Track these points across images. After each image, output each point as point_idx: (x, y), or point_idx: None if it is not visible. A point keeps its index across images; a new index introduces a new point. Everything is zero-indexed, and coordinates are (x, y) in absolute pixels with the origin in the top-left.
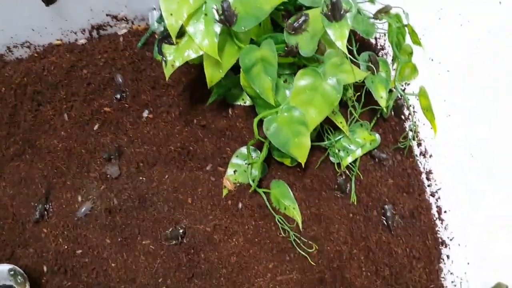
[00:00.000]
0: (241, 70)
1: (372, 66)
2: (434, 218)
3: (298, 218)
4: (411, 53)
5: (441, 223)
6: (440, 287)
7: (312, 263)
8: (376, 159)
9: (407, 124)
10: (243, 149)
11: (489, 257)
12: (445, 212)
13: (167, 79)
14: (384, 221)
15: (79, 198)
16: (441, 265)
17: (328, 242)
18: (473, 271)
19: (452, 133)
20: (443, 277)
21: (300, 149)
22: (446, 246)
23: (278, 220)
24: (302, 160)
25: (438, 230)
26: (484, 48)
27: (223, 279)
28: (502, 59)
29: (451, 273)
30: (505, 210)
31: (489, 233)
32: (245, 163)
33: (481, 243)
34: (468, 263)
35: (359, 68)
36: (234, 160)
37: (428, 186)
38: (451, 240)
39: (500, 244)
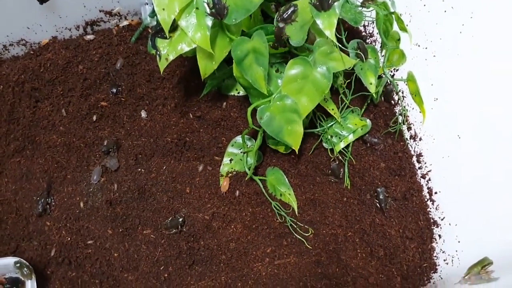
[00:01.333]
0: (233, 61)
1: (361, 53)
2: (426, 199)
3: (294, 204)
4: (398, 40)
5: (432, 204)
6: (433, 265)
7: (309, 246)
8: (368, 144)
9: (397, 109)
10: (238, 138)
11: (478, 235)
12: (435, 193)
13: (161, 72)
14: (377, 204)
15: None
16: (434, 244)
17: (324, 226)
18: (464, 249)
19: (440, 116)
20: (435, 256)
21: (293, 136)
22: (437, 226)
23: (274, 206)
24: (296, 147)
25: (429, 211)
26: (468, 32)
27: (223, 265)
28: (485, 43)
29: (443, 252)
30: (492, 189)
31: (479, 213)
32: (241, 152)
33: (471, 221)
34: (459, 242)
35: (348, 55)
36: (230, 149)
37: (419, 168)
38: (442, 220)
39: (488, 221)
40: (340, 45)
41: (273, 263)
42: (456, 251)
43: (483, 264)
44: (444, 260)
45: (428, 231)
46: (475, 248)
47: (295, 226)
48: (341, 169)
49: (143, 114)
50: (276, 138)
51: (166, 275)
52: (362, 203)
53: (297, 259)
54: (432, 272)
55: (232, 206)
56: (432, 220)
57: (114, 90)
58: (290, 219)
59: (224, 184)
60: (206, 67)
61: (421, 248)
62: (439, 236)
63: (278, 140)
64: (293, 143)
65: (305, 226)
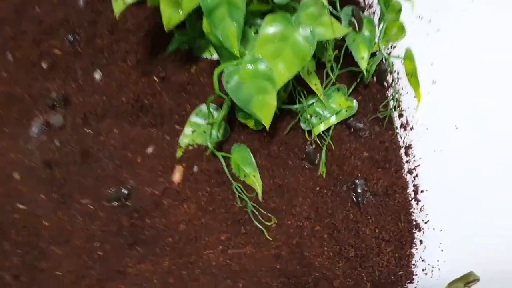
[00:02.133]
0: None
1: (355, 22)
2: (410, 198)
3: (258, 188)
4: (399, 11)
5: (417, 204)
6: (409, 274)
7: (269, 237)
8: (352, 129)
9: (389, 93)
10: (204, 107)
11: (464, 245)
12: (422, 191)
13: (116, 15)
14: (353, 198)
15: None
16: (413, 250)
17: (289, 216)
18: (447, 259)
19: (437, 103)
20: (414, 264)
21: (265, 109)
22: (420, 230)
23: (235, 188)
24: (267, 122)
25: (412, 212)
26: (479, 3)
27: (169, 248)
28: (498, 16)
29: (422, 260)
30: (487, 195)
31: (467, 219)
32: (206, 123)
33: (458, 229)
34: (442, 250)
35: (340, 23)
36: (194, 118)
37: (406, 162)
38: (425, 223)
39: (478, 231)
40: (331, 9)
41: (226, 252)
42: (438, 261)
43: (467, 281)
44: (423, 270)
45: (409, 235)
46: (460, 260)
47: (257, 213)
48: (318, 155)
49: (100, 68)
50: (244, 109)
51: (101, 253)
52: (337, 195)
53: (254, 251)
54: (407, 282)
55: (188, 183)
56: (414, 223)
57: (71, 38)
58: (251, 205)
59: (176, 174)
60: (170, 17)
61: (398, 253)
62: (420, 241)
63: (249, 113)
64: (263, 118)
65: (268, 215)
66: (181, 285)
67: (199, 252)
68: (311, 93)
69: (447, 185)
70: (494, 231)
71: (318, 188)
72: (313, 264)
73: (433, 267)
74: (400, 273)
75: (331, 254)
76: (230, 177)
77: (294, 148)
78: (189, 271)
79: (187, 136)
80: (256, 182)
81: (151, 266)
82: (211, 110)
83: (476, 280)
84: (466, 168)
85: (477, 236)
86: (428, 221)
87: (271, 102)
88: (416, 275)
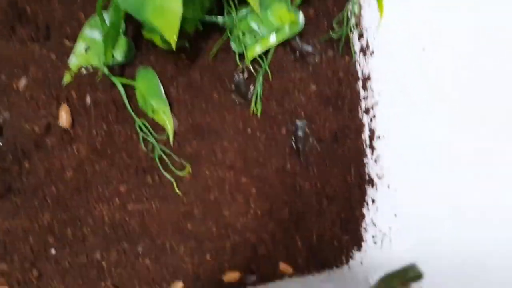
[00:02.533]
0: None
1: None
2: (364, 145)
3: (169, 127)
4: None
5: (372, 154)
6: (358, 240)
7: (178, 192)
8: (297, 53)
9: (349, 6)
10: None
11: (421, 215)
12: (378, 138)
13: None
14: (293, 144)
15: None
16: (364, 210)
17: (209, 165)
18: (400, 228)
19: (407, 19)
20: (364, 228)
21: (165, 17)
22: (373, 186)
23: (139, 126)
24: (170, 35)
25: (366, 163)
26: None
27: (50, 200)
28: None
29: (374, 224)
30: (454, 147)
31: (427, 180)
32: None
33: (418, 189)
34: (395, 215)
35: None
36: (87, 31)
37: (364, 98)
38: (380, 178)
39: (442, 195)
40: None
41: (125, 208)
42: (390, 228)
43: (406, 277)
44: (373, 237)
45: (359, 192)
46: (415, 229)
47: (167, 160)
48: (251, 86)
49: None
50: (137, 17)
51: None
52: (272, 140)
53: (161, 207)
54: (355, 248)
55: (78, 117)
56: (367, 177)
57: None
58: (160, 149)
59: (63, 106)
60: None
61: (344, 214)
62: (373, 201)
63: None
64: (165, 30)
65: (182, 162)
66: (63, 246)
67: (90, 206)
68: (243, 3)
69: (411, 129)
70: (454, 201)
71: (249, 130)
72: (233, 225)
73: (384, 235)
74: (346, 238)
75: (258, 213)
76: (132, 113)
77: (222, 76)
78: (75, 229)
79: (79, 56)
80: (167, 120)
81: (26, 221)
82: (103, 17)
83: (418, 277)
84: (437, 108)
85: (436, 203)
86: (383, 176)
87: (174, 8)
88: (365, 241)
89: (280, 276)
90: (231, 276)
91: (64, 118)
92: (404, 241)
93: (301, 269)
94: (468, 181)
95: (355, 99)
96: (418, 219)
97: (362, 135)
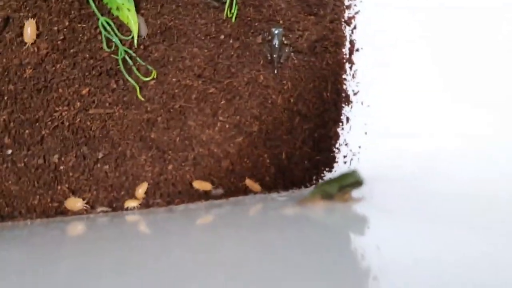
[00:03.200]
0: None
1: None
2: (344, 59)
3: (134, 27)
4: None
5: (350, 68)
6: (330, 160)
7: (141, 98)
8: None
9: None
10: None
11: (390, 132)
12: (357, 50)
13: None
14: (268, 54)
15: None
16: (339, 130)
17: (176, 71)
18: (369, 147)
19: None
20: (337, 148)
21: None
22: (348, 104)
23: (101, 24)
24: None
25: (345, 79)
26: None
27: (8, 99)
28: None
29: (346, 144)
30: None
31: (399, 95)
32: None
33: (386, 106)
34: (366, 133)
35: None
36: None
37: (347, 8)
38: (355, 94)
39: (407, 120)
40: None
41: (87, 112)
42: (360, 147)
43: (345, 183)
44: (344, 157)
45: (335, 110)
46: (380, 150)
47: (131, 64)
48: None
49: None
50: None
51: None
52: (246, 48)
53: (124, 113)
54: (326, 169)
55: (40, 12)
56: (344, 94)
57: None
58: (124, 50)
59: (29, 31)
60: None
61: (318, 133)
62: (347, 119)
63: None
64: None
65: (147, 67)
66: (19, 147)
67: (49, 108)
68: None
69: (389, 44)
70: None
71: (222, 37)
72: (198, 137)
73: (353, 156)
74: (318, 158)
75: (226, 126)
76: (96, 9)
77: None
78: (33, 130)
79: None
80: (131, 19)
81: None
82: None
83: (357, 183)
84: (419, 25)
85: (404, 125)
86: (358, 92)
87: None
88: (337, 162)
89: (245, 192)
90: (202, 185)
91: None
92: (372, 160)
93: (268, 187)
94: (439, 102)
95: (339, 8)
96: (388, 137)
97: (342, 48)
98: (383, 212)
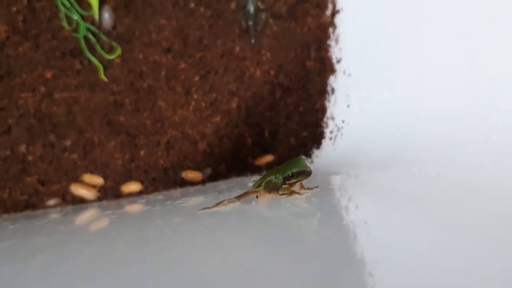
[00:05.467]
0: None
1: None
2: (327, 22)
3: (94, 1)
4: None
5: (333, 32)
6: (318, 136)
7: (104, 78)
8: None
9: None
10: None
11: (370, 102)
12: (337, 12)
13: None
14: (243, 22)
15: None
16: (326, 103)
17: (143, 47)
18: (351, 121)
19: None
20: (324, 123)
21: None
22: (333, 73)
23: (60, 1)
24: None
25: (329, 45)
26: None
27: None
28: None
29: (332, 119)
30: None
31: (381, 64)
32: None
33: (367, 75)
34: (348, 106)
35: None
36: None
37: None
38: (338, 62)
39: (389, 92)
40: None
41: (52, 96)
42: (343, 121)
43: (292, 172)
44: (331, 133)
45: (319, 80)
46: (363, 122)
47: (94, 41)
48: None
49: None
50: None
51: None
52: (219, 17)
53: (89, 95)
54: (314, 146)
55: None
56: (328, 61)
57: None
58: (87, 28)
59: None
60: None
61: (303, 107)
62: (332, 91)
63: None
64: None
65: (112, 43)
66: None
67: (14, 95)
68: None
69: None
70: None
71: (192, 5)
72: (170, 118)
73: (338, 130)
74: (304, 134)
75: (201, 105)
76: None
77: None
78: None
79: None
80: None
81: None
82: None
83: (305, 173)
84: None
85: (385, 95)
86: (341, 59)
87: None
88: (325, 138)
89: (226, 175)
90: (193, 175)
91: None
92: (353, 136)
93: (251, 169)
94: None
95: None
96: (369, 109)
97: (325, 10)
98: (369, 191)
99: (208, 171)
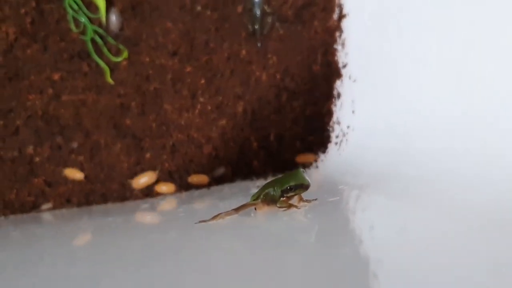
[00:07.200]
0: None
1: None
2: (334, 26)
3: (101, 4)
4: None
5: (340, 36)
6: (325, 140)
7: (111, 81)
8: None
9: None
10: None
11: (375, 109)
12: (344, 16)
13: None
14: (249, 25)
15: None
16: (333, 107)
17: (149, 50)
18: (356, 127)
19: None
20: (330, 127)
21: None
22: (339, 78)
23: (68, 4)
24: None
25: (336, 49)
26: None
27: None
28: None
29: (338, 123)
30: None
31: (387, 71)
32: None
33: (373, 82)
34: (353, 112)
35: None
36: None
37: None
38: (344, 67)
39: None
40: None
41: (59, 98)
42: (348, 127)
43: (289, 185)
44: (336, 138)
45: (326, 84)
46: (366, 128)
47: (101, 43)
48: None
49: None
50: None
51: None
52: (225, 21)
53: (96, 98)
54: (320, 150)
55: None
56: (334, 66)
57: None
58: (94, 30)
59: None
60: None
61: (310, 111)
62: (338, 95)
63: None
64: None
65: (118, 46)
66: None
67: (21, 97)
68: None
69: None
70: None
71: (199, 8)
72: (176, 122)
73: (344, 135)
74: (311, 138)
75: (208, 108)
76: None
77: None
78: (7, 121)
79: None
80: None
81: None
82: None
83: (302, 187)
84: None
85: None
86: (346, 64)
87: None
88: (331, 142)
89: (232, 179)
90: (199, 178)
91: None
92: (358, 143)
93: (256, 173)
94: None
95: None
96: (374, 116)
97: (332, 14)
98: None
99: (215, 173)
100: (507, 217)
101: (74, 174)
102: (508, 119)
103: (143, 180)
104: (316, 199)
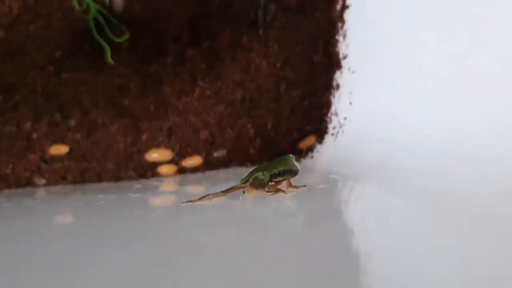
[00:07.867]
0: None
1: None
2: (336, 17)
3: None
4: None
5: (342, 28)
6: (321, 133)
7: (111, 61)
8: None
9: None
10: None
11: (373, 101)
12: (347, 7)
13: None
14: (252, 14)
15: None
16: (332, 98)
17: (152, 33)
18: (353, 119)
19: None
20: (328, 118)
21: None
22: (339, 69)
23: None
24: None
25: (337, 40)
26: None
27: None
28: None
29: (336, 115)
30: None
31: (387, 63)
32: None
33: (371, 74)
34: (350, 103)
35: None
36: None
37: None
38: (344, 58)
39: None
40: None
41: (59, 76)
42: (345, 118)
43: (278, 170)
44: (333, 129)
45: (325, 75)
46: (365, 120)
47: (104, 23)
48: None
49: None
50: None
51: None
52: (228, 7)
53: (96, 77)
54: (317, 141)
55: None
56: (335, 56)
57: None
58: (98, 9)
59: None
60: None
61: (308, 101)
62: (337, 86)
63: None
64: None
65: (121, 27)
66: None
67: (22, 73)
68: None
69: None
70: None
71: None
72: (174, 104)
73: (340, 127)
74: (308, 128)
75: (207, 93)
76: None
77: None
78: (6, 96)
79: None
80: None
81: None
82: None
83: (291, 172)
84: None
85: (390, 96)
86: (347, 55)
87: None
88: (328, 133)
89: (227, 165)
90: (193, 161)
91: None
92: (354, 134)
93: (252, 161)
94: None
95: None
96: (371, 108)
97: (335, 4)
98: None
99: (211, 158)
100: (498, 209)
101: (59, 149)
102: (501, 113)
103: (155, 155)
104: (305, 186)
